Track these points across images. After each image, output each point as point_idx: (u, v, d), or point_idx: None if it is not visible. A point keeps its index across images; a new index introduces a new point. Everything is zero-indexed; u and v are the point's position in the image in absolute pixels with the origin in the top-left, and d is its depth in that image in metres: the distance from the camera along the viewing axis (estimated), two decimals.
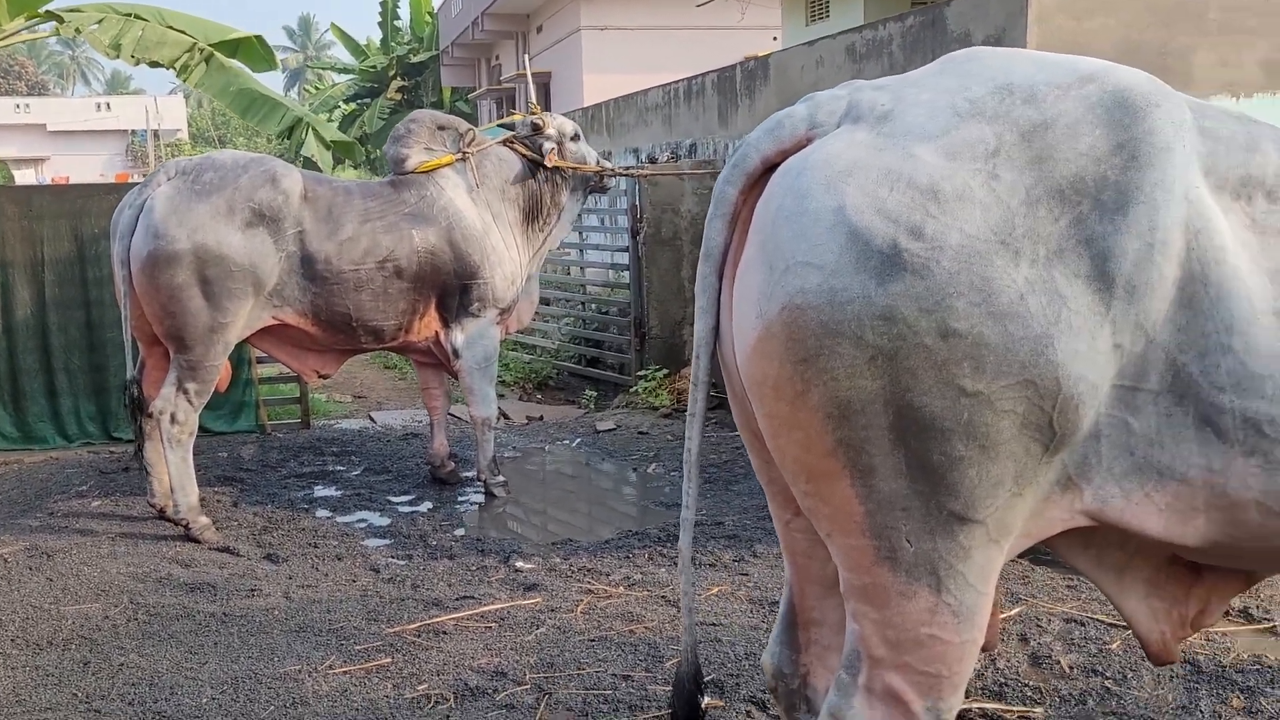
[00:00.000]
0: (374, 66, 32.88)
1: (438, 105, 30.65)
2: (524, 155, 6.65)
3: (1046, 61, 2.25)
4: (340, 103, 34.21)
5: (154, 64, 10.37)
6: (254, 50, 11.08)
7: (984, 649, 2.46)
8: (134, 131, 47.93)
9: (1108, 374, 2.14)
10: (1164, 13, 5.95)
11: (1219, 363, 2.15)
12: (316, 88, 41.74)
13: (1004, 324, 2.06)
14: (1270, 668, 4.25)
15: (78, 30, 10.39)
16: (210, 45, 10.61)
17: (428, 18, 31.83)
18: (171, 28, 10.61)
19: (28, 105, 52.60)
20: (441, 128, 6.57)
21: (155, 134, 44.42)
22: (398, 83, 31.61)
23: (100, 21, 10.28)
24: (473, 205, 6.39)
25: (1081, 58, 2.30)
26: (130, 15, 10.55)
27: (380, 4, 32.68)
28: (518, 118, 6.90)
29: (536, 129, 6.66)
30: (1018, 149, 2.12)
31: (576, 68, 21.72)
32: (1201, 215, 2.15)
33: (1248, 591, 4.78)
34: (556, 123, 6.75)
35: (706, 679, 4.08)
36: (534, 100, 7.07)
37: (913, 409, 2.09)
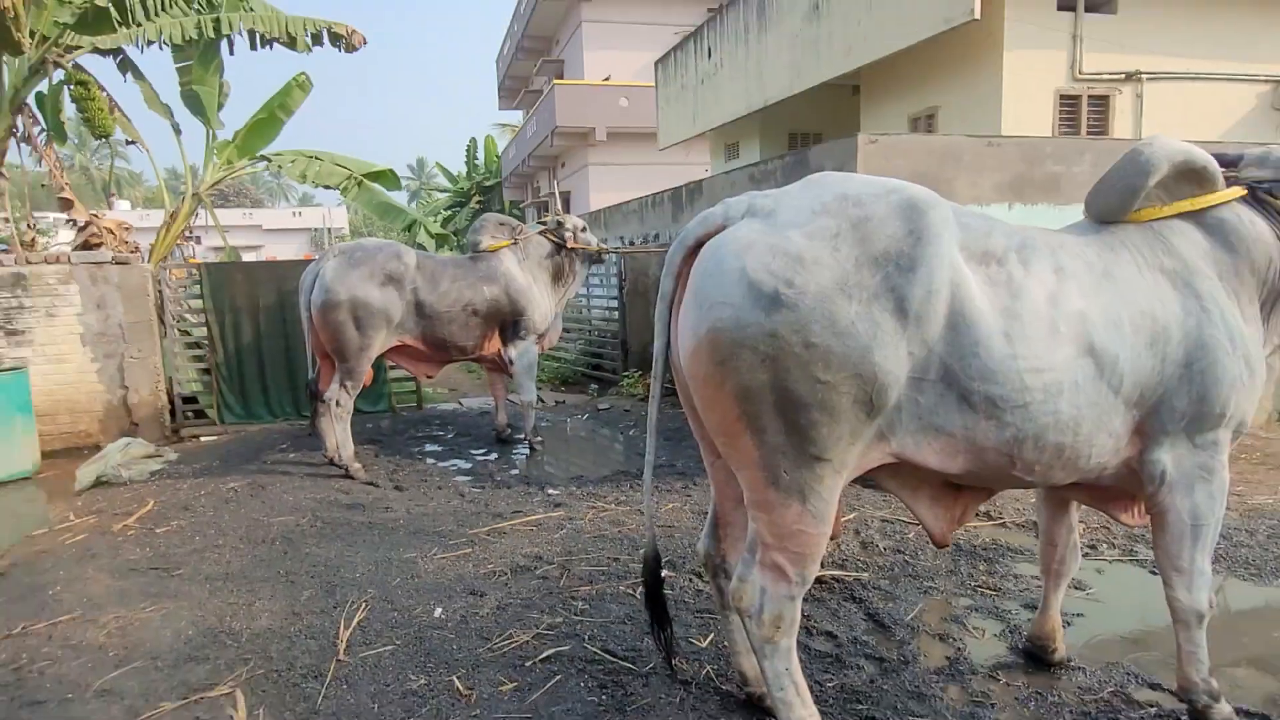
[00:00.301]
0: (462, 188, 32.71)
1: (502, 211, 30.62)
2: (552, 241, 6.65)
3: (868, 180, 2.29)
4: (442, 210, 34.07)
5: (327, 187, 10.29)
6: (388, 177, 11.01)
7: (832, 538, 2.48)
8: (315, 229, 47.87)
9: (905, 370, 2.17)
10: (937, 157, 6.00)
11: (970, 364, 2.19)
12: (427, 201, 41.59)
13: (843, 340, 2.09)
14: (1002, 546, 4.29)
15: (280, 166, 10.30)
16: (361, 175, 10.53)
17: (495, 158, 31.77)
18: (337, 164, 10.54)
19: (251, 213, 52.69)
20: (501, 224, 6.61)
21: (329, 230, 44.54)
22: (477, 198, 31.46)
23: (293, 161, 10.22)
24: (521, 271, 6.41)
25: (889, 179, 2.33)
26: (313, 156, 10.49)
27: (466, 149, 32.58)
28: (548, 219, 6.88)
29: (560, 225, 6.68)
30: (850, 233, 2.15)
31: (586, 188, 21.73)
32: (960, 274, 2.19)
33: (989, 502, 4.85)
34: (572, 221, 6.77)
35: (665, 559, 4.11)
36: (559, 208, 7.09)
37: (788, 392, 2.12)
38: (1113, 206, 2.56)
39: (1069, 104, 9.01)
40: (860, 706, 2.80)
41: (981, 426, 2.23)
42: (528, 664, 3.12)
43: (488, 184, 33.23)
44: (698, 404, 2.28)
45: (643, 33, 21.75)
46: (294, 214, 52.43)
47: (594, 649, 3.21)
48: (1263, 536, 4.31)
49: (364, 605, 3.72)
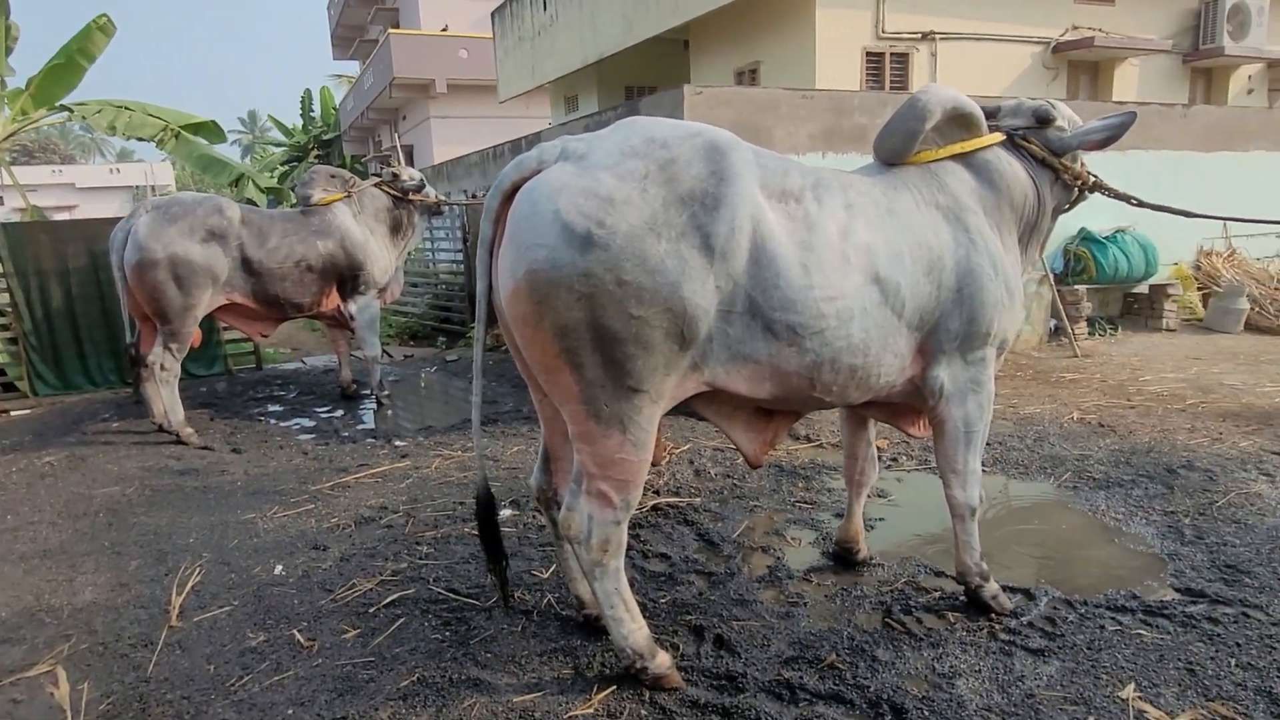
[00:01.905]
0: (298, 142, 30.47)
1: (341, 166, 28.81)
2: (389, 193, 6.31)
3: (674, 125, 2.29)
4: (279, 165, 31.66)
5: (140, 139, 9.31)
6: (210, 129, 10.10)
7: (654, 464, 2.54)
8: (137, 187, 43.28)
9: (714, 303, 2.21)
10: (756, 107, 6.13)
11: (772, 295, 2.26)
12: (262, 156, 38.49)
13: (653, 276, 2.10)
14: (818, 465, 4.53)
15: (84, 117, 9.20)
16: (179, 126, 9.59)
17: (332, 110, 29.73)
18: (151, 115, 9.54)
19: (61, 170, 46.86)
20: (333, 176, 6.21)
21: (152, 189, 40.22)
22: (315, 152, 29.41)
23: (99, 111, 9.15)
24: (357, 225, 6.06)
25: (694, 124, 2.34)
26: (122, 106, 9.44)
27: (301, 101, 30.28)
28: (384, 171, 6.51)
29: (395, 177, 6.34)
30: (658, 174, 2.15)
31: (429, 141, 20.81)
32: (760, 211, 2.24)
33: (807, 425, 5.12)
34: (408, 172, 6.44)
35: (510, 499, 4.10)
36: (401, 161, 6.71)
37: (604, 328, 2.12)
38: (895, 149, 2.70)
39: (874, 60, 9.45)
40: (689, 617, 2.91)
41: (784, 353, 2.32)
42: (371, 610, 3.03)
43: (326, 138, 31.15)
44: (519, 343, 2.24)
45: None
46: (111, 170, 47.25)
47: (438, 590, 3.16)
48: (1030, 441, 4.80)
49: (198, 570, 3.49)
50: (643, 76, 12.73)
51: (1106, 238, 8.00)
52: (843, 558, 3.32)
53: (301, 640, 2.86)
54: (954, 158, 2.74)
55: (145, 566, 3.58)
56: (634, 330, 2.11)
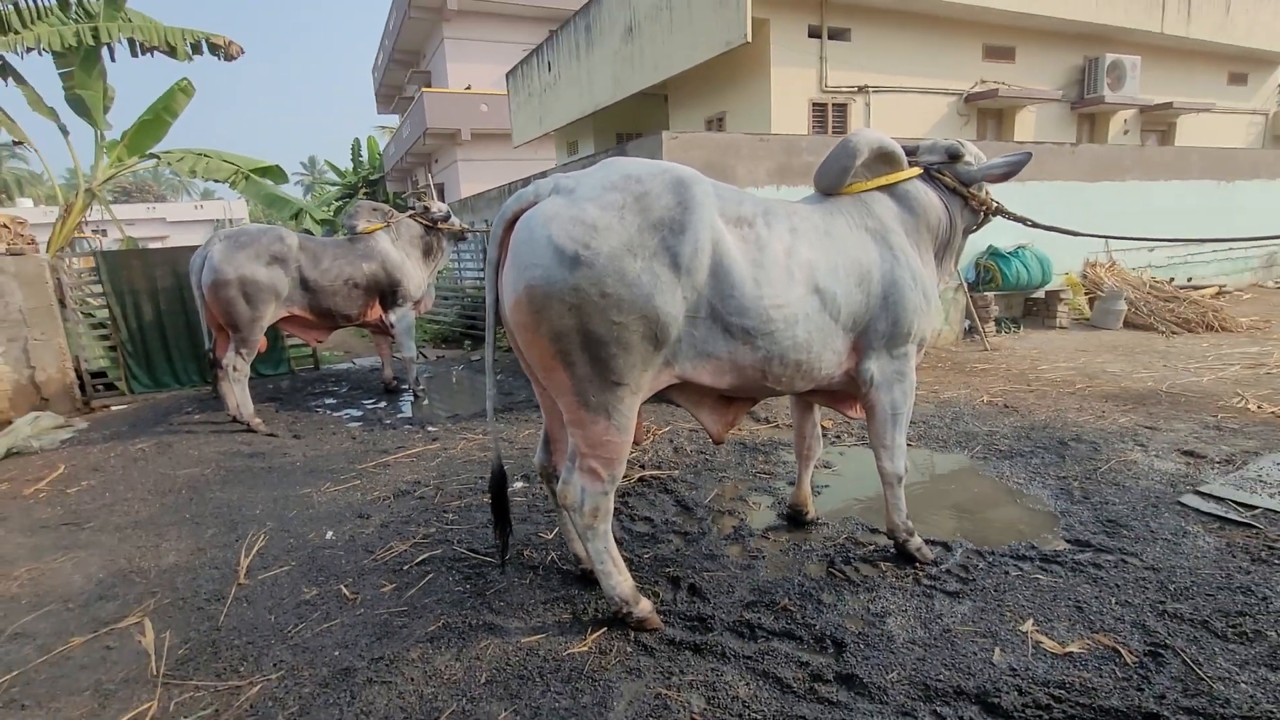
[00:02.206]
0: (350, 182, 30.23)
1: (387, 201, 28.61)
2: (421, 223, 6.25)
3: (647, 163, 2.25)
4: (333, 201, 31.46)
5: (216, 180, 9.20)
6: (275, 172, 9.98)
7: (637, 444, 2.50)
8: (217, 220, 42.96)
9: (682, 310, 2.18)
10: (722, 149, 6.09)
11: (729, 303, 2.23)
12: (319, 194, 38.22)
13: (631, 289, 2.07)
14: (775, 442, 4.47)
15: (169, 164, 9.10)
16: (249, 170, 9.49)
17: (377, 155, 29.52)
18: (225, 160, 9.44)
19: (154, 207, 46.51)
20: (374, 209, 6.13)
21: (230, 222, 40.01)
22: (363, 190, 29.19)
23: (182, 159, 9.04)
24: (394, 249, 5.99)
25: (665, 162, 2.30)
26: (200, 154, 9.33)
27: (351, 148, 30.06)
28: (417, 205, 6.45)
29: (426, 210, 6.28)
30: (634, 204, 2.12)
31: (457, 180, 20.68)
32: (719, 234, 2.21)
33: (766, 409, 5.08)
34: (437, 206, 6.38)
35: (522, 474, 4.06)
36: (434, 197, 6.64)
37: (590, 332, 2.09)
38: (831, 182, 2.67)
39: (819, 109, 9.40)
40: (668, 569, 2.88)
41: (740, 350, 2.30)
42: (405, 568, 3.00)
43: (372, 178, 30.87)
44: (521, 346, 2.21)
45: (497, 49, 20.71)
46: (196, 207, 46.84)
47: (461, 550, 3.13)
48: (949, 420, 4.78)
49: (263, 536, 3.44)
50: (631, 124, 12.68)
51: (1010, 253, 7.98)
52: (794, 519, 3.30)
53: (347, 593, 2.82)
54: (880, 188, 2.72)
55: (219, 534, 3.53)
56: (615, 334, 2.08)
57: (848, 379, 2.71)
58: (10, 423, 6.03)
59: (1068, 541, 2.98)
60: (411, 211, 6.25)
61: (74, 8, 8.29)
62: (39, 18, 7.86)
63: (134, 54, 8.59)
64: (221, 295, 5.12)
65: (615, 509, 3.51)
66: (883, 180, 2.70)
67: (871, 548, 3.01)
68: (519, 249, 2.10)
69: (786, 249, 2.34)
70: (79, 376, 6.96)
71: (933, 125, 10.42)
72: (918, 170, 2.81)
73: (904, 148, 2.93)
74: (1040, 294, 8.55)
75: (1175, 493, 3.38)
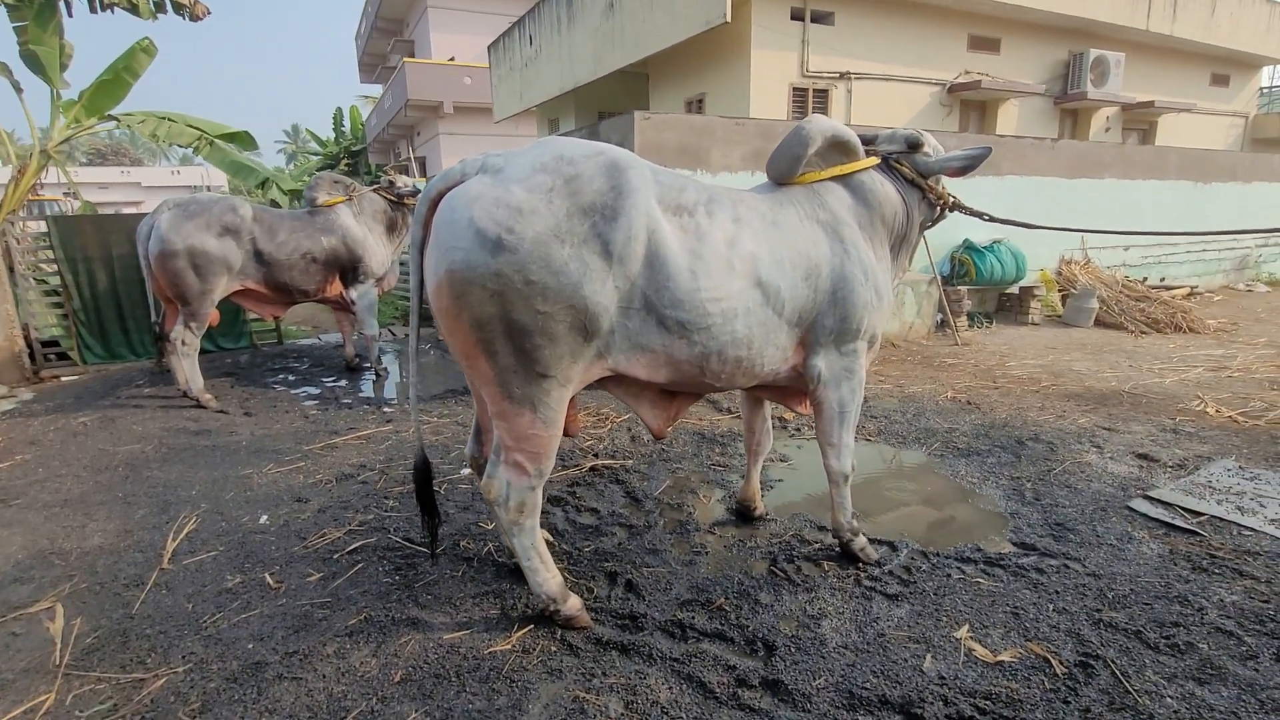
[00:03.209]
0: (331, 153, 29.62)
1: (369, 174, 28.04)
2: (386, 197, 6.07)
3: (582, 144, 2.13)
4: (315, 170, 30.89)
5: (179, 145, 8.88)
6: (243, 139, 9.63)
7: (569, 435, 2.41)
8: (194, 187, 41.98)
9: (614, 301, 2.08)
10: (696, 132, 5.95)
11: (664, 294, 2.14)
12: (301, 164, 37.52)
13: (557, 277, 1.97)
14: (734, 434, 4.39)
15: (129, 126, 8.75)
16: (215, 135, 9.16)
17: (360, 126, 28.92)
18: (190, 125, 9.10)
19: (129, 170, 45.30)
20: (336, 182, 5.92)
21: (208, 188, 39.08)
22: (345, 161, 28.61)
23: (143, 121, 8.70)
24: (356, 224, 5.81)
25: (601, 144, 2.17)
26: (164, 117, 8.98)
27: (333, 118, 29.44)
28: (383, 178, 6.26)
29: (391, 184, 6.09)
30: (563, 187, 2.01)
31: (439, 154, 20.29)
32: (655, 221, 2.11)
33: (728, 399, 5.01)
34: (403, 179, 6.19)
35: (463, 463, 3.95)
36: (416, 171, 6.45)
37: (514, 321, 1.98)
38: (783, 170, 2.56)
39: (799, 95, 9.25)
40: (607, 564, 2.81)
41: (676, 345, 2.20)
42: (336, 556, 2.89)
43: (354, 149, 30.27)
44: (443, 333, 2.10)
45: (482, 20, 20.25)
46: (173, 172, 45.75)
47: (396, 539, 3.03)
48: (910, 415, 4.74)
49: (195, 519, 3.32)
50: (611, 103, 12.45)
51: (985, 247, 7.95)
52: (743, 514, 3.23)
53: (271, 582, 2.71)
54: (834, 178, 2.62)
55: (150, 515, 3.40)
56: (540, 324, 1.97)
57: (795, 375, 2.63)
58: None
59: (1014, 544, 2.94)
60: (375, 186, 6.06)
61: None
62: None
63: (93, 9, 8.24)
64: (169, 266, 4.93)
65: (562, 498, 3.44)
66: (837, 170, 2.60)
67: (817, 546, 2.96)
68: (440, 230, 1.98)
69: (728, 239, 2.24)
70: (28, 345, 6.73)
71: (915, 114, 10.32)
72: (874, 160, 2.71)
73: (862, 136, 2.84)
74: (1014, 289, 8.54)
75: (1125, 497, 3.36)
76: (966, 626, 2.35)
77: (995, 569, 2.73)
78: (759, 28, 8.46)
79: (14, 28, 8.13)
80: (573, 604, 2.36)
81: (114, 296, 6.95)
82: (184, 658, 2.28)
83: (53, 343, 6.95)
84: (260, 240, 5.30)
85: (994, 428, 4.44)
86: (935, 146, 2.89)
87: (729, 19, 7.48)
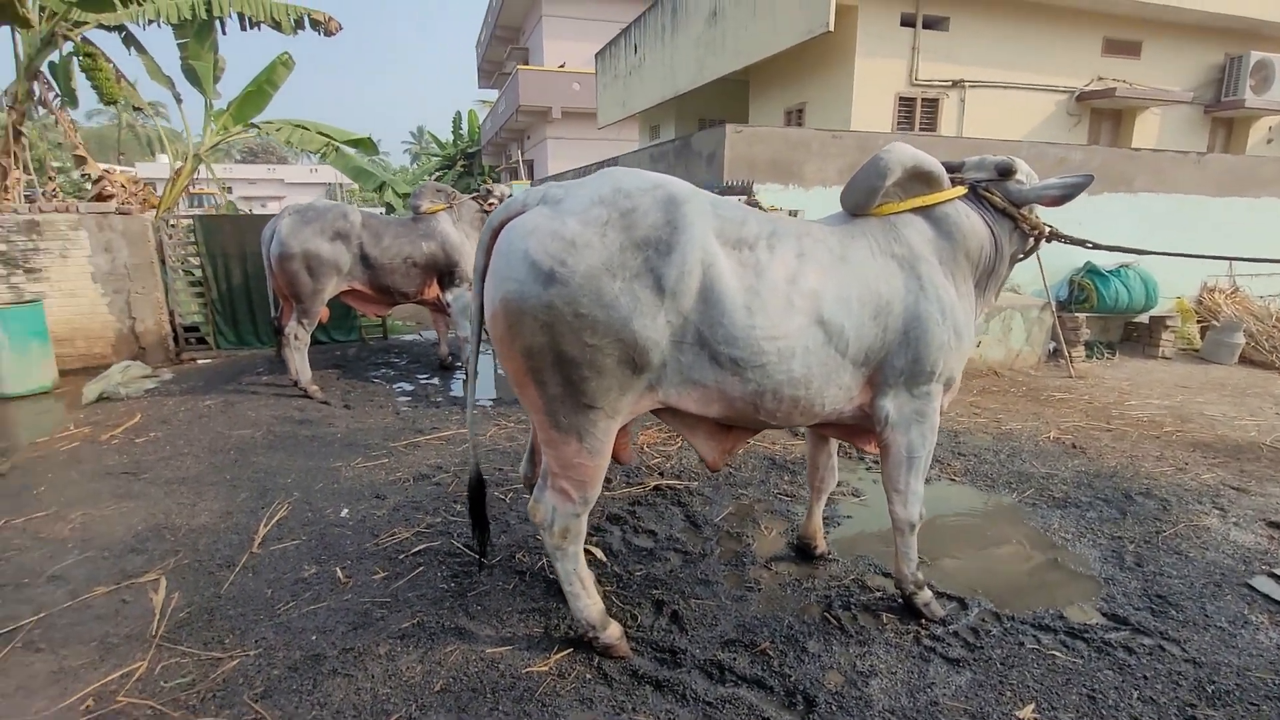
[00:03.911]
0: (449, 154, 31.34)
1: (482, 174, 29.45)
2: (483, 206, 6.32)
3: (642, 177, 2.12)
4: (432, 171, 32.83)
5: (310, 151, 9.68)
6: (366, 144, 10.39)
7: (620, 463, 2.41)
8: (329, 184, 45.62)
9: (666, 335, 2.06)
10: (790, 145, 5.81)
11: (718, 330, 2.10)
12: (425, 163, 39.95)
13: (607, 310, 1.97)
14: (805, 460, 4.21)
15: (268, 133, 9.63)
16: (340, 141, 9.92)
17: (477, 128, 30.40)
18: (320, 132, 9.90)
19: (275, 168, 49.82)
20: (438, 191, 6.24)
21: (340, 185, 42.37)
22: (461, 162, 30.20)
23: (280, 129, 9.56)
24: (455, 231, 6.10)
25: (663, 176, 2.15)
26: (298, 125, 9.85)
27: (453, 121, 31.19)
28: (481, 188, 6.54)
29: (489, 193, 6.35)
30: (618, 221, 2.01)
31: (546, 157, 20.93)
32: (712, 256, 2.07)
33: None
34: (500, 190, 6.44)
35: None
36: (523, 173, 6.72)
37: (562, 352, 2.01)
38: (858, 202, 2.45)
39: (906, 104, 8.80)
40: (656, 591, 2.79)
41: (730, 381, 2.15)
42: (401, 556, 3.04)
43: (470, 150, 31.89)
44: (498, 358, 2.15)
45: (595, 27, 20.70)
46: (311, 170, 49.75)
47: (458, 544, 3.15)
48: (1004, 456, 4.40)
49: (286, 506, 3.59)
50: (712, 110, 12.36)
51: (1110, 271, 7.26)
52: (803, 551, 3.12)
53: (341, 576, 2.89)
54: (914, 210, 2.47)
55: (249, 499, 3.71)
56: (588, 356, 1.98)
57: (861, 414, 2.50)
58: (110, 366, 6.62)
59: (1103, 615, 2.67)
60: (474, 195, 6.34)
61: None
62: None
63: (243, 27, 9.09)
64: (287, 267, 5.37)
65: (621, 517, 3.46)
66: (917, 202, 2.45)
67: (878, 594, 2.81)
68: (498, 260, 2.03)
69: (789, 275, 2.16)
70: (174, 330, 7.56)
71: (1037, 125, 9.58)
72: (960, 190, 2.53)
73: (948, 163, 2.67)
74: (1144, 318, 7.75)
75: (1246, 572, 2.96)
76: (1032, 706, 2.16)
77: (1076, 642, 2.49)
78: (865, 35, 8.14)
79: (177, 44, 9.14)
80: (612, 632, 2.36)
81: (246, 289, 7.67)
82: (256, 642, 2.47)
83: (193, 328, 7.76)
84: (367, 245, 5.67)
85: (1099, 477, 4.05)
86: (1029, 173, 2.67)
87: (831, 28, 7.24)
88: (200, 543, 3.24)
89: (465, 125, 32.02)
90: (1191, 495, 3.77)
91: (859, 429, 2.67)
